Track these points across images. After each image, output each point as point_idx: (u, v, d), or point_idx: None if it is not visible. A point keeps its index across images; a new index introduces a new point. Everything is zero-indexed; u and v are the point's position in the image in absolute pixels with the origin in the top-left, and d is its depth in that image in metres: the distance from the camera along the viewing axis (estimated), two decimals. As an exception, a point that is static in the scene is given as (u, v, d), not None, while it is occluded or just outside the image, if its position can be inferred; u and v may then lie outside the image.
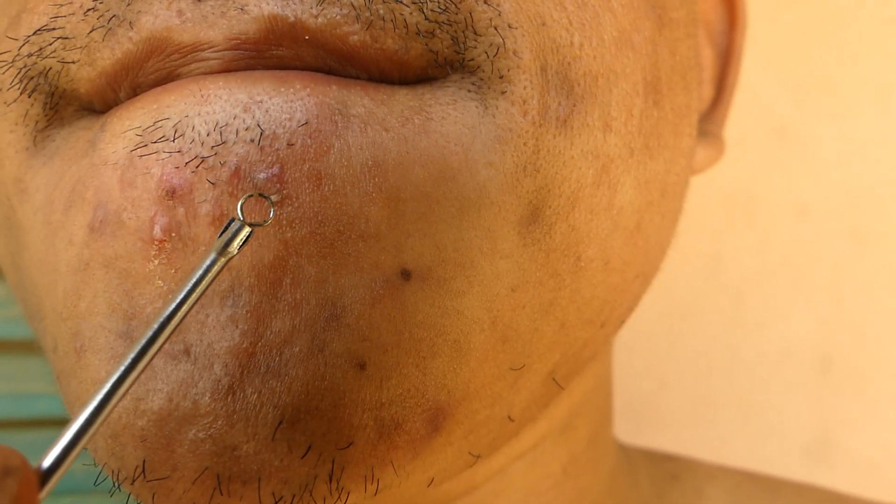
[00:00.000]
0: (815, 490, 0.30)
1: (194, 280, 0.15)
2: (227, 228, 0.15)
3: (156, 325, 0.14)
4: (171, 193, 0.16)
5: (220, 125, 0.16)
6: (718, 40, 0.28)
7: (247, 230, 0.15)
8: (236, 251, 0.15)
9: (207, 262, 0.15)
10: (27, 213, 0.19)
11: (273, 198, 0.16)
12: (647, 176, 0.19)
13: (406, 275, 0.16)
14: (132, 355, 0.14)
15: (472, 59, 0.17)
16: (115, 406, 0.14)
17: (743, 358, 0.51)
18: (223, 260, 0.15)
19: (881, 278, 0.49)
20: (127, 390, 0.14)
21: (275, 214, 0.16)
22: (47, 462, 0.13)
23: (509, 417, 0.19)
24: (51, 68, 0.18)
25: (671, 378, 0.51)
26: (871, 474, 0.49)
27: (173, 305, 0.15)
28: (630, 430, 0.50)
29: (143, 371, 0.14)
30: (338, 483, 0.17)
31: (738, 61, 0.28)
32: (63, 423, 0.20)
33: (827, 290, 0.49)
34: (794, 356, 0.50)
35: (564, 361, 0.20)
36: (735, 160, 0.50)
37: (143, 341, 0.14)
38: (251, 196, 0.15)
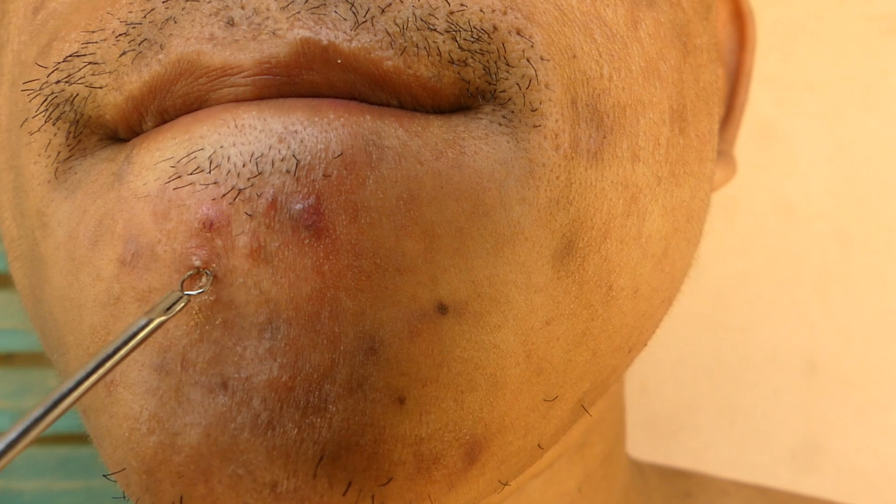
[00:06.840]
0: None
1: (123, 339, 0.15)
2: (165, 298, 0.15)
3: (79, 375, 0.14)
4: (209, 226, 0.16)
5: (255, 156, 0.16)
6: (728, 59, 0.28)
7: (184, 299, 0.16)
8: (169, 315, 0.15)
9: (140, 323, 0.15)
10: (49, 247, 0.18)
11: (208, 272, 0.16)
12: (673, 203, 0.20)
13: (443, 309, 0.16)
14: (51, 400, 0.14)
15: (504, 91, 0.17)
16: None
17: (726, 362, 0.50)
18: (156, 322, 0.15)
19: (866, 279, 0.48)
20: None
21: (210, 287, 0.16)
22: None
23: (539, 446, 0.19)
24: (77, 94, 0.18)
25: (653, 384, 0.50)
26: (858, 479, 0.48)
27: (96, 362, 0.14)
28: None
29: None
30: None
31: (748, 80, 0.28)
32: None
33: (811, 292, 0.49)
34: (779, 360, 0.49)
35: (593, 388, 0.20)
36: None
37: (60, 392, 0.14)
38: (192, 273, 0.16)
